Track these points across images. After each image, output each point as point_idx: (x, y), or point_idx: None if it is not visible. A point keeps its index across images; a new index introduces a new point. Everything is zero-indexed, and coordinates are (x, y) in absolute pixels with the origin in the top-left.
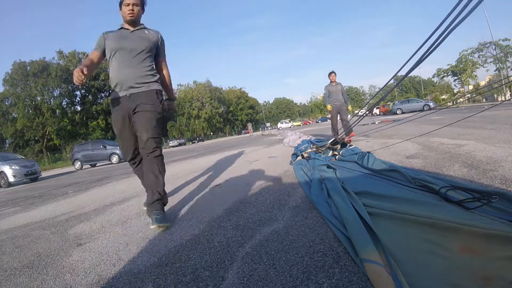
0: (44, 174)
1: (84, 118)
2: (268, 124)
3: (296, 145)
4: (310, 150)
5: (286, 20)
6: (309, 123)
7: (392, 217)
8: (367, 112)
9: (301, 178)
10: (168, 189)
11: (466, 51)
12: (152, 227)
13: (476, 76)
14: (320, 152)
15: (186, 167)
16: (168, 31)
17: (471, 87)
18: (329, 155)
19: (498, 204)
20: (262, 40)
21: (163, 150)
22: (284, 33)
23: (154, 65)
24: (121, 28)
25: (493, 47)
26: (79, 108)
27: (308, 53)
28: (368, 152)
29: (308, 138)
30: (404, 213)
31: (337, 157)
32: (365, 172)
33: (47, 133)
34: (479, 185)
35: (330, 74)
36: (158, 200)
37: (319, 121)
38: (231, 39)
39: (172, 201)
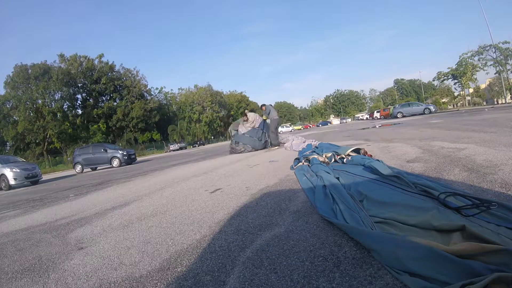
0: (44, 177)
1: (85, 122)
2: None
3: (300, 149)
4: (321, 159)
5: (285, 26)
6: (310, 127)
7: (393, 225)
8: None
9: (304, 184)
10: (168, 193)
11: (466, 54)
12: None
13: (476, 79)
14: (327, 163)
15: (186, 171)
16: (171, 36)
17: (471, 90)
18: (333, 161)
19: (497, 211)
20: (262, 45)
21: (164, 154)
22: (283, 38)
23: None
24: None
25: (493, 50)
26: (80, 111)
27: (308, 57)
28: (378, 160)
29: (315, 143)
30: (404, 223)
31: (345, 160)
32: (369, 178)
33: (48, 136)
34: (479, 189)
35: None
36: None
37: (320, 125)
38: (232, 45)
39: (173, 205)
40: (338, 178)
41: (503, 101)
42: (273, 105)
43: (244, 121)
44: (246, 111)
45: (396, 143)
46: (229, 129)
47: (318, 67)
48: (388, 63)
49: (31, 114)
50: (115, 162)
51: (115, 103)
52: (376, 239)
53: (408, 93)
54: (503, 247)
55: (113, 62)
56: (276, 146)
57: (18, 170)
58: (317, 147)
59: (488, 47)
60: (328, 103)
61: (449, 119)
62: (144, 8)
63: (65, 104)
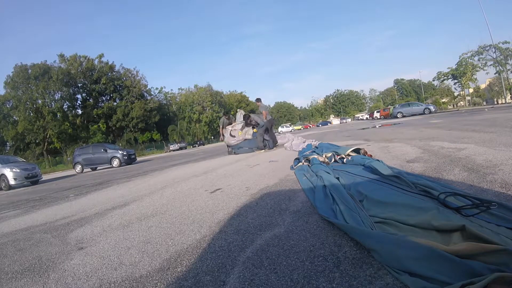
0: (44, 177)
1: (85, 122)
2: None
3: (300, 149)
4: (321, 159)
5: (285, 26)
6: (310, 127)
7: (393, 225)
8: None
9: (304, 184)
10: (168, 193)
11: (466, 54)
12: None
13: (476, 79)
14: (327, 163)
15: (186, 171)
16: (171, 36)
17: (471, 90)
18: (333, 161)
19: (497, 211)
20: (262, 45)
21: (164, 154)
22: (283, 38)
23: None
24: None
25: (493, 50)
26: (80, 111)
27: (307, 57)
28: (378, 160)
29: (315, 143)
30: (404, 223)
31: (345, 160)
32: (369, 178)
33: (48, 136)
34: (479, 189)
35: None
36: None
37: (320, 125)
38: (232, 45)
39: (173, 205)
40: (338, 178)
41: (503, 101)
42: (272, 105)
43: (246, 125)
44: (251, 116)
45: (396, 143)
46: (221, 121)
47: (318, 67)
48: (388, 63)
49: (31, 114)
50: (115, 162)
51: (115, 103)
52: (376, 239)
53: (408, 93)
54: (503, 247)
55: (113, 62)
56: (261, 150)
57: (18, 170)
58: (317, 147)
59: (488, 47)
60: (328, 103)
61: (449, 119)
62: (144, 8)
63: (65, 104)
